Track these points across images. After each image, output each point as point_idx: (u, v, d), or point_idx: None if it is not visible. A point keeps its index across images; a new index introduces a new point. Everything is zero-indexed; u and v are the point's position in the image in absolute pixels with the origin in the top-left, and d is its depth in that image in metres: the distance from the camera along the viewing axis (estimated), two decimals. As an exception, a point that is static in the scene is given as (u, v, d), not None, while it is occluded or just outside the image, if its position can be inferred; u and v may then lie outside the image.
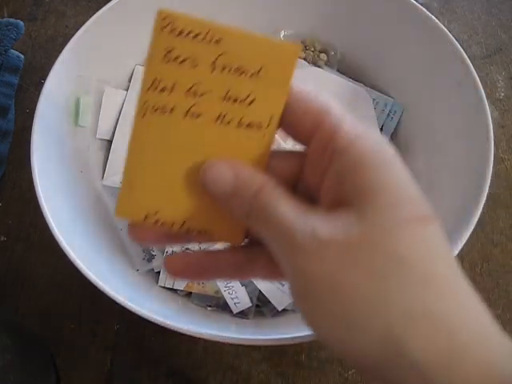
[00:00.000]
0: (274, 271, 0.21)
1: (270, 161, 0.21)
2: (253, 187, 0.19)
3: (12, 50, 0.45)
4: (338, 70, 0.45)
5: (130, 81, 0.41)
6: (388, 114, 0.43)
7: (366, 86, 0.44)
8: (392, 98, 0.43)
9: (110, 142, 0.41)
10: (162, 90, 0.20)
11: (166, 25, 0.19)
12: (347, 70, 0.45)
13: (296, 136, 0.21)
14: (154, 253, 0.38)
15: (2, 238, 0.41)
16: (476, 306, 0.17)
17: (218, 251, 0.22)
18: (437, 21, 0.37)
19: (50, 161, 0.33)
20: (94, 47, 0.37)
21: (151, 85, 0.20)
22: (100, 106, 0.40)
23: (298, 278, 0.18)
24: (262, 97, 0.20)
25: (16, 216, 0.42)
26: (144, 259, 0.38)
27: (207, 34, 0.19)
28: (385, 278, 0.16)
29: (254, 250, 0.22)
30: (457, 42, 0.36)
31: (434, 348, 0.16)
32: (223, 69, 0.19)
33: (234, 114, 0.20)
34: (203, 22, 0.19)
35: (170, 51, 0.19)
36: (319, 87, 0.43)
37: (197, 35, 0.19)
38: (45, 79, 0.34)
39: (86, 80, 0.38)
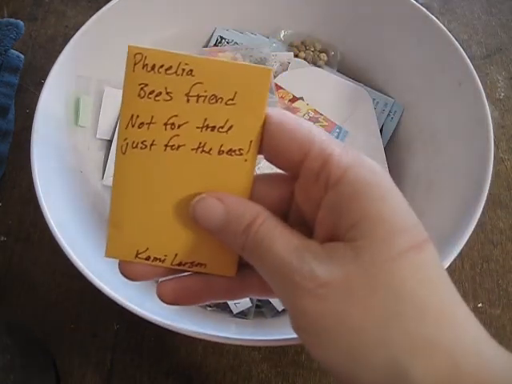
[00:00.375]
0: (265, 290, 0.21)
1: (260, 188, 0.21)
2: (244, 221, 0.19)
3: (12, 50, 0.45)
4: (338, 70, 0.45)
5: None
6: (388, 114, 0.43)
7: (366, 86, 0.44)
8: (392, 98, 0.43)
9: (109, 141, 0.41)
10: (140, 125, 0.20)
11: (138, 61, 0.19)
12: (347, 70, 0.45)
13: (283, 166, 0.21)
14: (154, 253, 0.38)
15: (2, 238, 0.41)
16: (471, 326, 0.18)
17: (210, 274, 0.22)
18: (437, 21, 0.37)
19: (50, 161, 0.33)
20: (93, 47, 0.37)
21: (129, 121, 0.20)
22: (100, 106, 0.40)
23: (299, 316, 0.18)
24: (239, 122, 0.20)
25: (16, 216, 0.42)
26: (144, 259, 0.38)
27: (179, 66, 0.19)
28: (384, 312, 0.17)
29: (246, 271, 0.22)
30: (457, 42, 0.36)
31: (436, 373, 0.16)
32: (198, 98, 0.20)
33: (213, 141, 0.20)
34: (174, 54, 0.19)
35: (144, 86, 0.20)
36: (319, 87, 0.43)
37: (169, 68, 0.19)
38: (45, 79, 0.34)
39: (86, 80, 0.38)
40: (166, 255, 0.21)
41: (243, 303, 0.36)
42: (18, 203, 0.43)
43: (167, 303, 0.22)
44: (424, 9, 0.37)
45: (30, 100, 0.46)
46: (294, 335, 0.27)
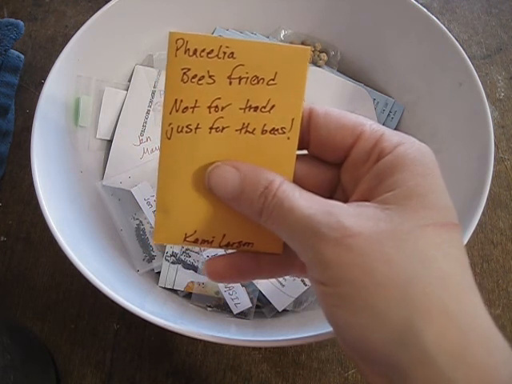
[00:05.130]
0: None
1: (303, 169, 0.22)
2: (260, 186, 0.20)
3: (12, 50, 0.45)
4: (338, 70, 0.45)
5: (129, 81, 0.41)
6: (388, 114, 0.43)
7: (366, 86, 0.44)
8: (392, 98, 0.43)
9: (110, 141, 0.41)
10: (185, 109, 0.20)
11: (180, 46, 0.20)
12: (347, 69, 0.45)
13: (331, 154, 0.21)
14: (154, 253, 0.38)
15: (2, 238, 0.41)
16: (482, 311, 0.18)
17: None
18: (437, 21, 0.37)
19: (50, 161, 0.33)
20: (93, 47, 0.37)
21: (173, 106, 0.20)
22: (100, 106, 0.40)
23: (323, 268, 0.18)
24: (280, 101, 0.20)
25: (16, 216, 0.42)
26: (144, 260, 0.38)
27: (220, 49, 0.20)
28: (407, 273, 0.17)
29: (290, 249, 0.22)
30: (457, 42, 0.36)
31: (446, 343, 0.17)
32: (240, 80, 0.20)
33: (256, 122, 0.21)
34: (215, 38, 0.20)
35: (186, 71, 0.20)
36: (319, 87, 0.43)
37: (210, 52, 0.20)
38: (45, 79, 0.34)
39: (86, 80, 0.38)
40: (213, 237, 0.22)
41: (243, 304, 0.36)
42: (18, 203, 0.43)
43: (214, 280, 0.23)
44: (424, 9, 0.37)
45: (30, 100, 0.46)
46: (295, 335, 0.27)
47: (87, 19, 0.36)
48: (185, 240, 0.22)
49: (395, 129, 0.43)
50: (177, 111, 0.20)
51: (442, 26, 0.36)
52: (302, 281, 0.36)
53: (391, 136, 0.20)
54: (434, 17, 0.37)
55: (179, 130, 0.20)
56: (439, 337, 0.17)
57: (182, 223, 0.22)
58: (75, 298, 0.40)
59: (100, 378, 0.38)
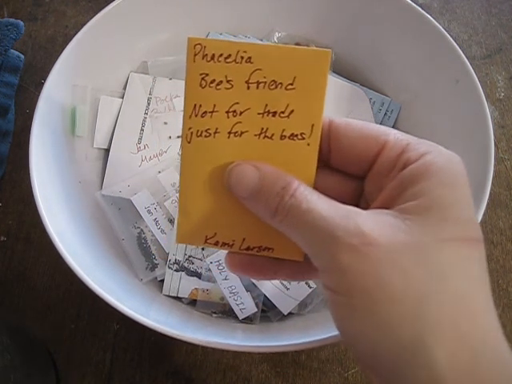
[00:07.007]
0: None
1: (327, 180, 0.21)
2: (277, 186, 0.20)
3: (12, 50, 0.45)
4: (333, 71, 0.44)
5: (124, 88, 0.41)
6: (385, 113, 0.43)
7: (362, 85, 0.44)
8: (389, 97, 0.43)
9: (107, 150, 0.40)
10: (204, 114, 0.20)
11: (198, 51, 0.20)
12: (343, 70, 0.44)
13: (354, 166, 0.21)
14: (156, 261, 0.38)
15: (2, 238, 0.41)
16: (496, 332, 0.18)
17: None
18: (431, 18, 0.37)
19: (49, 173, 0.33)
20: (87, 56, 0.37)
21: (192, 111, 0.20)
22: (96, 114, 0.39)
23: (337, 274, 0.18)
24: (300, 106, 0.20)
25: (16, 216, 0.42)
26: (147, 268, 0.37)
27: (237, 54, 0.20)
28: (423, 290, 0.17)
29: None
30: (453, 41, 0.36)
31: (456, 364, 0.16)
32: (258, 85, 0.20)
33: (275, 127, 0.20)
34: (232, 43, 0.20)
35: (205, 76, 0.20)
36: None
37: (228, 57, 0.20)
38: (45, 79, 0.34)
39: (82, 89, 0.38)
40: (234, 240, 0.22)
41: (249, 308, 0.36)
42: (18, 203, 0.43)
43: (234, 270, 0.23)
44: (418, 7, 0.37)
45: (30, 100, 0.46)
46: (303, 339, 0.27)
47: (87, 19, 0.36)
48: (205, 242, 0.22)
49: (393, 128, 0.43)
50: (196, 116, 0.20)
51: (438, 24, 0.36)
52: (307, 283, 0.36)
53: (418, 144, 0.19)
54: (428, 15, 0.37)
55: (198, 134, 0.21)
56: (450, 357, 0.16)
57: (203, 226, 0.22)
58: (75, 298, 0.40)
59: (100, 378, 0.38)
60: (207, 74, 0.20)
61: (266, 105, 0.20)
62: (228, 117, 0.20)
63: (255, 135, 0.21)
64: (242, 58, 0.20)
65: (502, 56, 0.50)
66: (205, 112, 0.20)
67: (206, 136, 0.21)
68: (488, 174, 0.32)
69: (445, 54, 0.36)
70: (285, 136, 0.21)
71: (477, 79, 0.34)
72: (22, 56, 0.46)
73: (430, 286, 0.17)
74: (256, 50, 0.20)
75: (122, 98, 0.40)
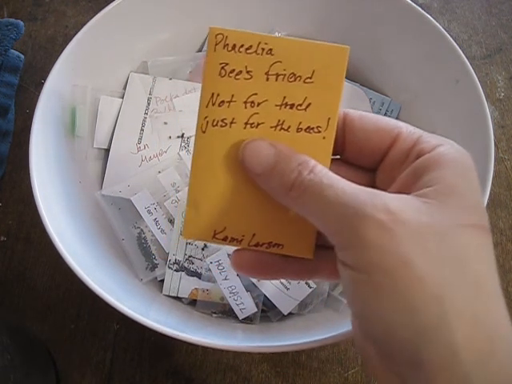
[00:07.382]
0: (335, 273, 0.20)
1: (340, 172, 0.21)
2: (295, 160, 0.19)
3: (12, 50, 0.45)
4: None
5: (124, 88, 0.41)
6: (385, 113, 0.43)
7: (362, 86, 0.44)
8: (389, 97, 0.43)
9: (107, 150, 0.40)
10: (221, 103, 0.20)
11: (219, 41, 0.20)
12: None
13: (366, 158, 0.21)
14: (156, 261, 0.38)
15: (2, 238, 0.41)
16: (508, 320, 0.18)
17: None
18: (431, 18, 0.36)
19: (49, 173, 0.33)
20: (87, 56, 0.37)
21: (209, 100, 0.20)
22: (96, 114, 0.39)
23: (362, 251, 0.17)
24: (317, 100, 0.20)
25: (16, 216, 0.42)
26: (147, 268, 0.37)
27: (258, 45, 0.20)
28: (445, 272, 0.17)
29: (320, 253, 0.22)
30: (453, 41, 0.36)
31: (474, 346, 0.16)
32: (277, 77, 0.20)
33: (292, 119, 0.21)
34: (253, 34, 0.20)
35: (224, 66, 0.20)
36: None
37: (249, 48, 0.20)
38: (45, 79, 0.34)
39: (82, 89, 0.38)
40: (243, 235, 0.22)
41: (249, 309, 0.36)
42: (18, 203, 0.43)
43: (239, 270, 0.22)
44: (418, 7, 0.37)
45: (30, 100, 0.46)
46: (303, 340, 0.27)
47: (87, 19, 0.36)
48: (214, 237, 0.22)
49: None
50: (213, 105, 0.20)
51: (437, 23, 0.36)
52: (307, 283, 0.36)
53: (430, 137, 0.20)
54: (428, 15, 0.37)
55: (214, 123, 0.20)
56: (469, 339, 0.16)
57: (212, 220, 0.21)
58: (75, 298, 0.40)
59: (100, 377, 0.38)
60: (227, 64, 0.20)
61: (284, 97, 0.20)
62: (245, 107, 0.20)
63: (271, 127, 0.21)
64: (263, 49, 0.20)
65: (502, 56, 0.50)
66: (222, 101, 0.20)
67: (221, 126, 0.21)
68: (488, 174, 0.32)
69: (445, 54, 0.36)
70: (301, 129, 0.21)
71: (477, 79, 0.34)
72: (22, 56, 0.46)
73: (452, 268, 0.17)
74: (277, 42, 0.20)
75: (122, 98, 0.40)
